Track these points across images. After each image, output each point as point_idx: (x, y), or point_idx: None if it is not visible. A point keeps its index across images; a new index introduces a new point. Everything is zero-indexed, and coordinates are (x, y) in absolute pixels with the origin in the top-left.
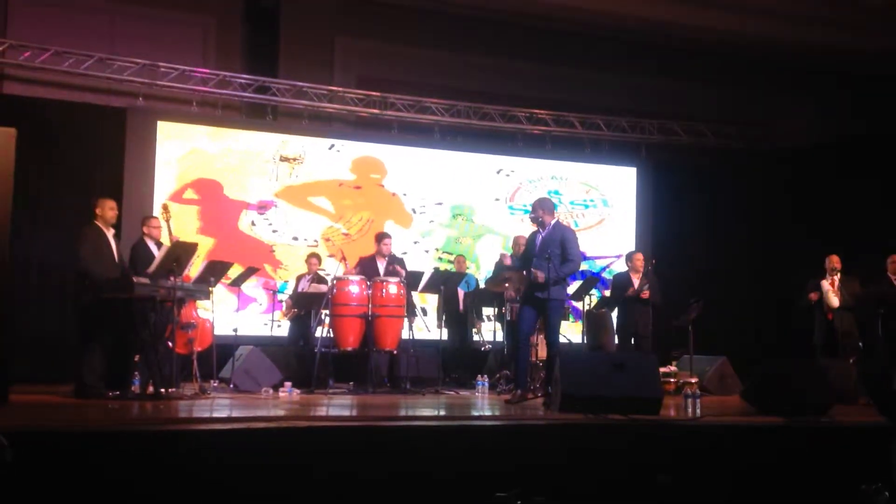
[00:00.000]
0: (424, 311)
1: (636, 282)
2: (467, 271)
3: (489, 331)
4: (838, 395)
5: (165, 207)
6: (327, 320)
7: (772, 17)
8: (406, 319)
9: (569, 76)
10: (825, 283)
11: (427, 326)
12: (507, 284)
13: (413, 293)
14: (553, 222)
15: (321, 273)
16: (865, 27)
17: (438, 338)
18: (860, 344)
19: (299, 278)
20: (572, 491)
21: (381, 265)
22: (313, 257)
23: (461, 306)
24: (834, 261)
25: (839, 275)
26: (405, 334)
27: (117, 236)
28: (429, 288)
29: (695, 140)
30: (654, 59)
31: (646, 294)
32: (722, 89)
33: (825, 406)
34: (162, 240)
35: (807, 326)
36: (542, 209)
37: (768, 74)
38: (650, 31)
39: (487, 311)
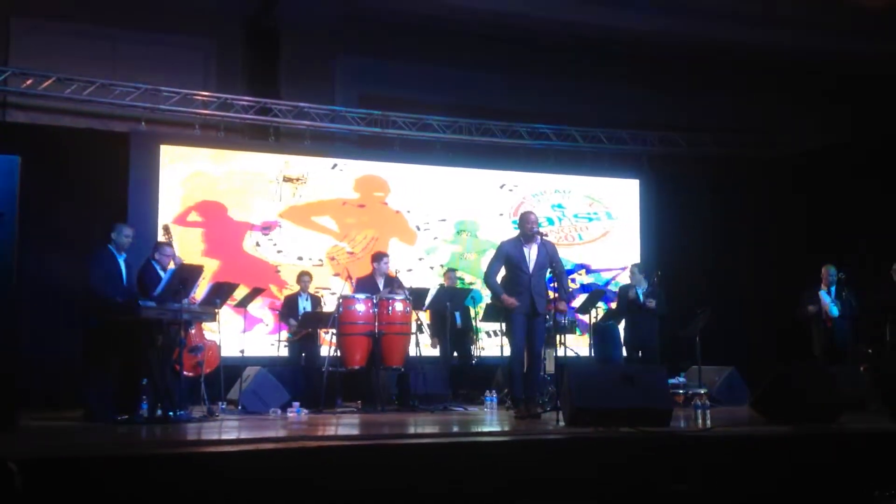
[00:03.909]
0: (420, 328)
1: (640, 293)
2: (471, 286)
3: (496, 346)
4: (847, 402)
5: (166, 229)
6: (333, 339)
7: (770, 24)
8: (415, 335)
9: (569, 90)
10: (823, 293)
11: (433, 343)
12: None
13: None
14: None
15: (315, 294)
16: (863, 32)
17: (446, 355)
18: (869, 350)
19: (294, 298)
20: None
21: (380, 283)
22: (305, 275)
23: (458, 322)
24: (830, 271)
25: (837, 283)
26: (412, 351)
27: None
28: (435, 305)
29: (696, 150)
30: (652, 71)
31: (651, 304)
32: (722, 98)
33: (835, 411)
34: None
35: (808, 335)
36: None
37: (768, 82)
38: (649, 42)
39: (494, 327)
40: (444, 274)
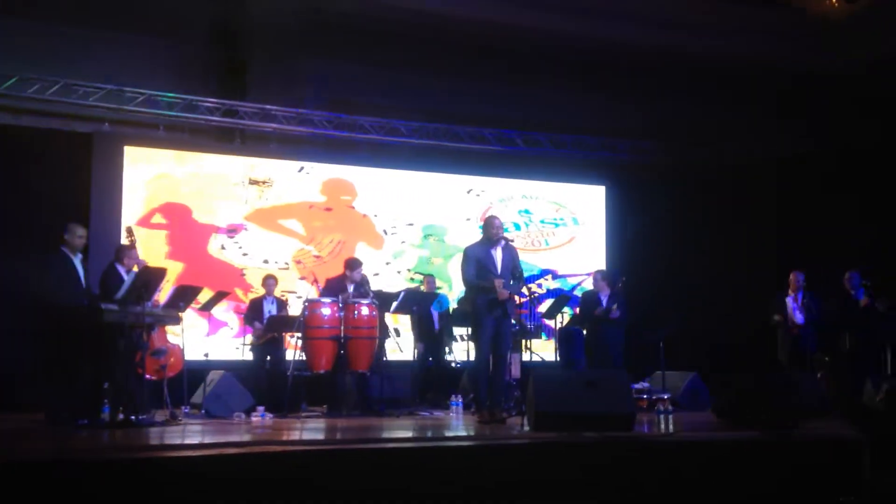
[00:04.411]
0: (398, 332)
1: (604, 299)
2: (439, 291)
3: (463, 350)
4: (808, 409)
5: (130, 231)
6: (299, 343)
7: (736, 33)
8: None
9: (536, 96)
10: (790, 300)
11: (400, 347)
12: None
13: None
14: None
15: (281, 297)
16: (827, 42)
17: (412, 358)
18: (826, 358)
19: (259, 301)
20: None
21: (350, 288)
22: (271, 278)
23: (436, 326)
24: (798, 277)
25: (803, 290)
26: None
27: (85, 262)
28: (401, 309)
29: (661, 157)
30: (619, 78)
31: (616, 314)
32: (688, 106)
33: (796, 418)
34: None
35: (773, 341)
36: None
37: (734, 91)
38: (616, 50)
39: (460, 331)
40: (424, 279)
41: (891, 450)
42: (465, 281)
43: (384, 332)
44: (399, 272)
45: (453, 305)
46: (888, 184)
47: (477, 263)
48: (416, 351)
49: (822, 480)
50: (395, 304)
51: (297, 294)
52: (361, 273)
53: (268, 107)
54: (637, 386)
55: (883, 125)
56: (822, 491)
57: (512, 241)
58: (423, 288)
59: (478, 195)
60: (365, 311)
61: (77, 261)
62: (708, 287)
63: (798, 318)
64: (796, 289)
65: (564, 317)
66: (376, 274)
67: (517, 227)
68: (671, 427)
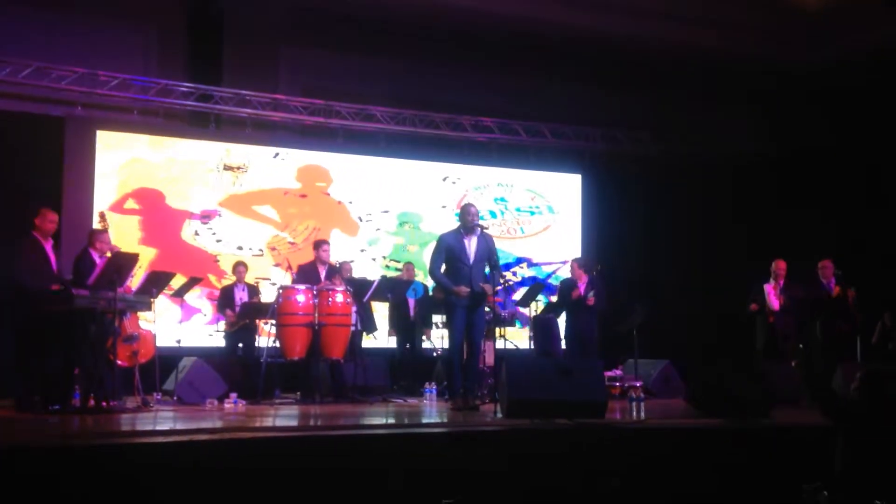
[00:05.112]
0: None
1: (581, 287)
2: (415, 279)
3: (438, 338)
4: (781, 397)
5: (102, 216)
6: (272, 329)
7: (712, 28)
8: (355, 330)
9: (513, 84)
10: (768, 287)
11: (374, 334)
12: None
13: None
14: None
15: (254, 284)
16: (804, 41)
17: (386, 345)
18: (800, 346)
19: (230, 288)
20: (519, 496)
21: (322, 272)
22: (241, 265)
23: (411, 313)
24: (780, 266)
25: (783, 280)
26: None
27: (57, 247)
28: (376, 296)
29: (637, 148)
30: (597, 69)
31: (591, 300)
32: (665, 98)
33: (765, 407)
34: None
35: (749, 329)
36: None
37: (709, 84)
38: (593, 41)
39: (436, 319)
40: (403, 266)
41: (862, 438)
42: (430, 273)
43: (370, 324)
44: (374, 259)
45: (429, 293)
46: (855, 180)
47: (449, 252)
48: (396, 337)
49: (793, 468)
50: (369, 292)
51: (272, 281)
52: (328, 251)
53: (243, 92)
54: (610, 374)
55: (851, 122)
56: (793, 478)
57: (487, 227)
58: (403, 276)
59: (454, 183)
60: (339, 298)
61: (48, 246)
62: (683, 275)
63: (775, 305)
64: (777, 277)
65: (539, 305)
66: (351, 261)
67: (493, 214)
68: (643, 414)
